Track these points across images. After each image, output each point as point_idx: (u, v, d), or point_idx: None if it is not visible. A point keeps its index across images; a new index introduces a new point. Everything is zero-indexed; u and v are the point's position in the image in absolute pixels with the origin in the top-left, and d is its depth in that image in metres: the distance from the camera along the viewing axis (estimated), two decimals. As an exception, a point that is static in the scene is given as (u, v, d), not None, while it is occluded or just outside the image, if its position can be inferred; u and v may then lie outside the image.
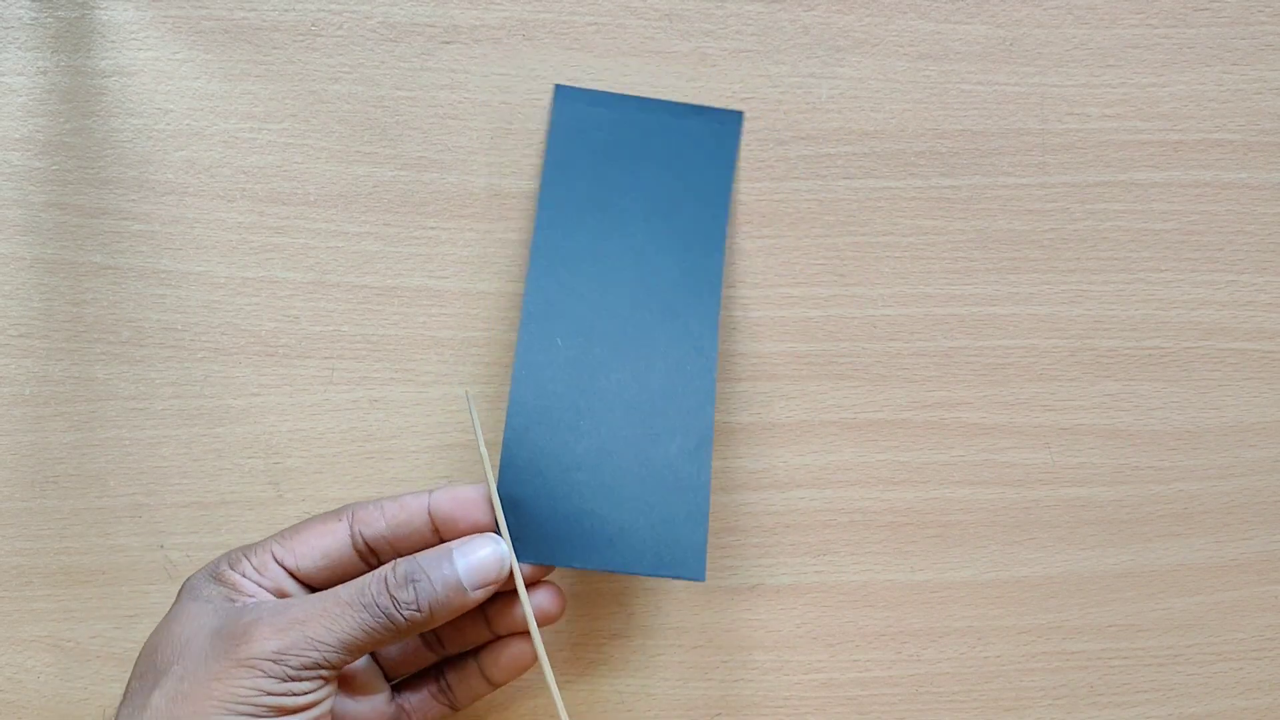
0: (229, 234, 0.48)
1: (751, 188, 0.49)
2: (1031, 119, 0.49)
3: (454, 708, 0.44)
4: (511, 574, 0.41)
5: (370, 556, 0.42)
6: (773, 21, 0.49)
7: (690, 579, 0.42)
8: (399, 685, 0.44)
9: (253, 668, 0.37)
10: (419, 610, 0.39)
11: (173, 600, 0.41)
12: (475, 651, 0.44)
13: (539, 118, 0.48)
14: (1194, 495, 0.50)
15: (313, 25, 0.48)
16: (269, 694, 0.37)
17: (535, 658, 0.42)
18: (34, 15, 0.48)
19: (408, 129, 0.48)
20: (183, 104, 0.48)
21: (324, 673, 0.38)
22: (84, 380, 0.48)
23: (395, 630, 0.38)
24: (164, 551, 0.48)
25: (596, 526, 0.42)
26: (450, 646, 0.44)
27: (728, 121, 0.47)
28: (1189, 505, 0.50)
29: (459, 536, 0.41)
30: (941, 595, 0.49)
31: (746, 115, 0.49)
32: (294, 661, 0.37)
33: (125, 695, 0.39)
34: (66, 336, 0.48)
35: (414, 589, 0.39)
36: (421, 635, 0.44)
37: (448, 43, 0.48)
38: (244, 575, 0.40)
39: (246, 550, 0.41)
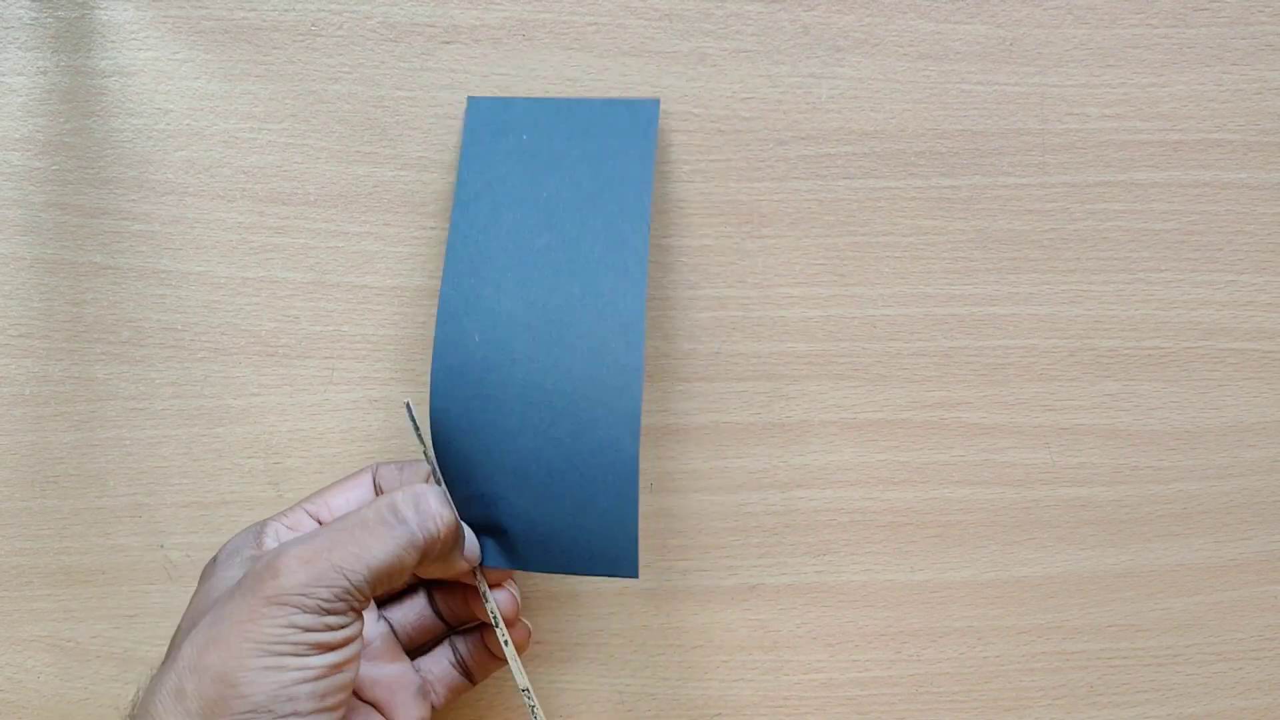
0: (229, 234, 0.48)
1: (751, 188, 0.49)
2: (1031, 119, 0.49)
3: (472, 680, 0.45)
4: (475, 569, 0.43)
5: None
6: (773, 21, 0.49)
7: (625, 576, 0.41)
8: (419, 658, 0.45)
9: (284, 604, 0.36)
10: (427, 526, 0.39)
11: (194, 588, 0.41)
12: (481, 626, 0.45)
13: (539, 118, 0.48)
14: (1193, 495, 0.50)
15: (313, 25, 0.48)
16: (303, 629, 0.36)
17: (529, 634, 0.44)
18: (34, 15, 0.48)
19: (408, 129, 0.48)
20: (183, 104, 0.48)
21: (354, 603, 0.37)
22: (84, 380, 0.48)
23: (413, 548, 0.38)
24: (164, 551, 0.48)
25: (530, 529, 0.42)
26: (453, 620, 0.45)
27: (644, 109, 0.45)
28: (1188, 505, 0.50)
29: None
30: (941, 595, 0.49)
31: (746, 116, 0.49)
32: (324, 593, 0.36)
33: (162, 660, 0.39)
34: (66, 336, 0.48)
35: (417, 508, 0.39)
36: (432, 605, 0.45)
37: (448, 43, 0.48)
38: (277, 536, 0.41)
39: (278, 516, 0.42)
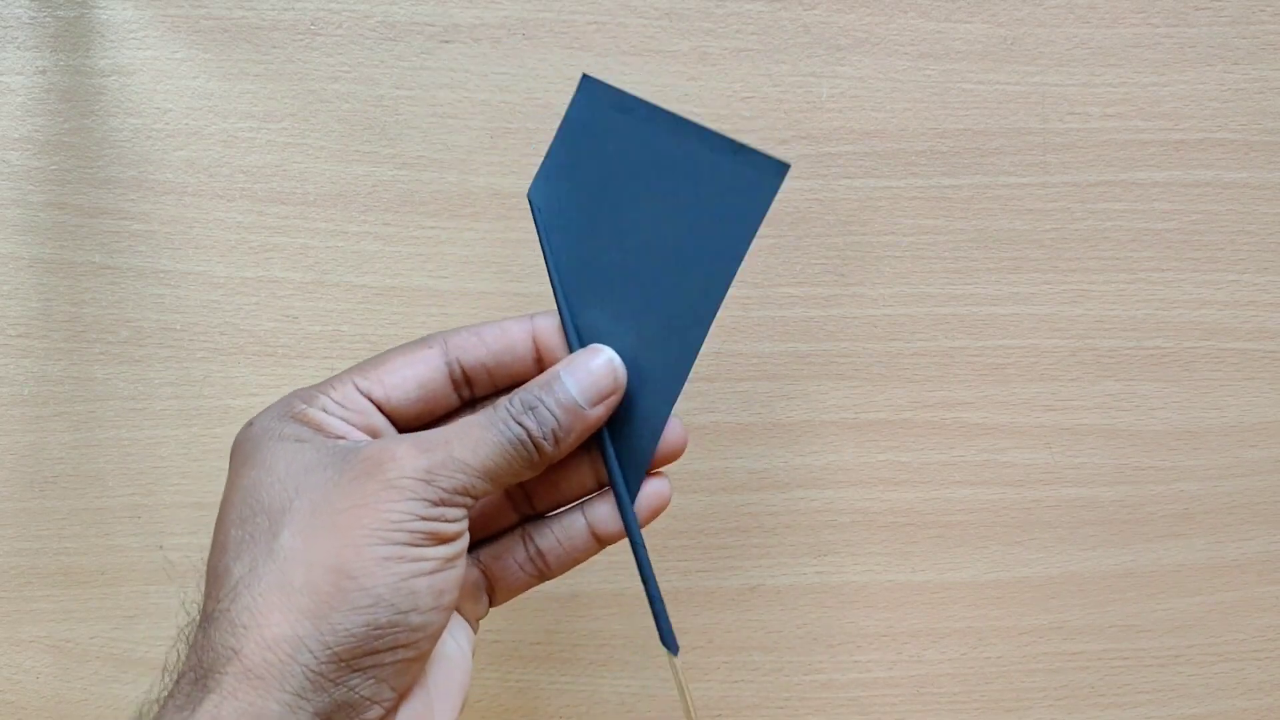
0: (228, 234, 0.48)
1: (752, 187, 0.49)
2: (1032, 118, 0.49)
3: (545, 575, 0.39)
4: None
5: (465, 388, 0.37)
6: (773, 20, 0.49)
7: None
8: (479, 550, 0.39)
9: (402, 489, 0.32)
10: (545, 438, 0.35)
11: (233, 471, 0.36)
12: (583, 505, 0.39)
13: (539, 117, 0.48)
14: (1195, 495, 0.50)
15: (312, 24, 0.48)
16: (422, 518, 0.32)
17: (667, 498, 0.38)
18: (33, 14, 0.48)
19: (407, 128, 0.48)
20: (182, 103, 0.48)
21: (468, 500, 0.34)
22: (83, 380, 0.48)
23: (529, 460, 0.35)
24: (163, 552, 0.48)
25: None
26: (541, 502, 0.39)
27: (768, 171, 0.36)
28: (1190, 505, 0.50)
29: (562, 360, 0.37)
30: (942, 596, 0.49)
31: (747, 115, 0.49)
32: (444, 482, 0.33)
33: (224, 547, 0.34)
34: (65, 336, 0.48)
35: (534, 416, 0.35)
36: (506, 491, 0.39)
37: (447, 42, 0.48)
38: (326, 411, 0.36)
39: (318, 387, 0.36)
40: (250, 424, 0.36)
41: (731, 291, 0.49)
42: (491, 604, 0.39)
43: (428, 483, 0.33)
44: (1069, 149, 0.49)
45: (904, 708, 0.49)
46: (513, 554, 0.38)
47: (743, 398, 0.49)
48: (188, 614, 0.35)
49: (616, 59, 0.48)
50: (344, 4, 0.48)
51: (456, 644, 0.37)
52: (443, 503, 0.33)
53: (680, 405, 0.49)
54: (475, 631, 0.39)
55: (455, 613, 0.38)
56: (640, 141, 0.38)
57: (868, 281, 0.49)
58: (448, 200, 0.48)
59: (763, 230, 0.49)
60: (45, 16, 0.48)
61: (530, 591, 0.48)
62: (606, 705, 0.49)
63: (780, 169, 0.36)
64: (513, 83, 0.48)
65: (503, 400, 0.35)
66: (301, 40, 0.48)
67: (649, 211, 0.38)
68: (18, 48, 0.48)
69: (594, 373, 0.36)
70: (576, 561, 0.39)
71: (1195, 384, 0.50)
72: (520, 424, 0.34)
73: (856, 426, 0.49)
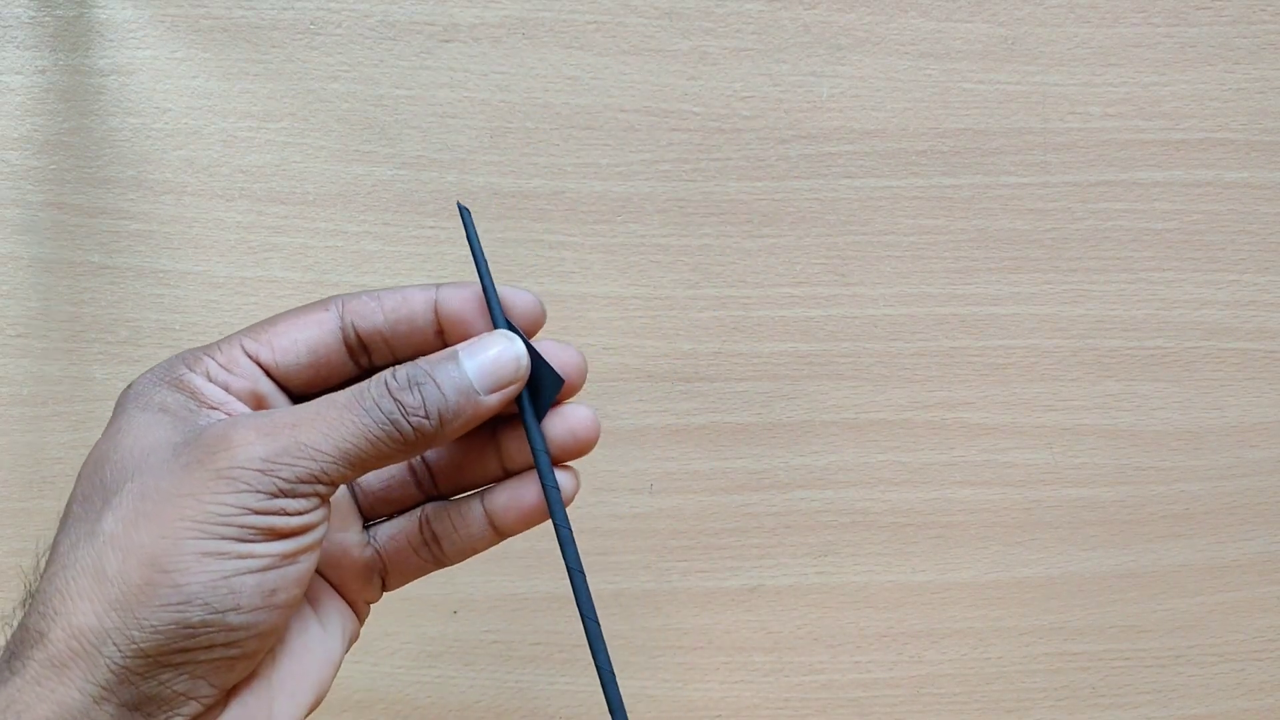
0: (227, 233, 0.48)
1: (751, 187, 0.49)
2: (1033, 118, 0.49)
3: (441, 562, 0.36)
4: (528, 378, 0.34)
5: (362, 355, 0.34)
6: (773, 20, 0.48)
7: None
8: (375, 529, 0.36)
9: (234, 480, 0.30)
10: (427, 418, 0.32)
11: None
12: (481, 493, 0.35)
13: (539, 116, 0.48)
14: (1196, 496, 0.50)
15: (311, 24, 0.48)
16: (255, 512, 0.30)
17: (568, 499, 0.35)
18: (32, 14, 0.48)
19: (407, 128, 0.48)
20: (181, 103, 0.48)
21: (320, 489, 0.30)
22: (82, 380, 0.48)
23: (401, 443, 0.31)
24: (162, 552, 0.48)
25: None
26: (444, 484, 0.36)
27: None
28: (1191, 506, 0.50)
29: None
30: (943, 596, 0.49)
31: (746, 115, 0.48)
32: (285, 472, 0.30)
33: (63, 522, 0.32)
34: (64, 336, 0.48)
35: (419, 393, 0.32)
36: (409, 466, 0.36)
37: (447, 41, 0.48)
38: (208, 377, 0.33)
39: (206, 349, 0.33)
40: (130, 385, 0.33)
41: (732, 291, 0.49)
42: (385, 588, 0.36)
43: (264, 473, 0.30)
44: (1069, 149, 0.49)
45: (904, 708, 0.49)
46: (409, 536, 0.35)
47: (743, 398, 0.49)
48: (26, 589, 0.33)
49: (616, 59, 0.48)
50: (344, 3, 0.48)
51: (323, 633, 0.34)
52: (283, 494, 0.30)
53: (680, 405, 0.49)
54: (363, 616, 0.36)
55: (339, 597, 0.35)
56: None
57: (868, 281, 0.49)
58: (447, 200, 0.48)
59: (762, 230, 0.49)
60: (45, 16, 0.48)
61: (530, 592, 0.48)
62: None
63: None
64: (513, 82, 0.48)
65: (384, 373, 0.32)
66: (301, 40, 0.48)
67: None
68: (17, 47, 0.48)
69: (496, 357, 0.33)
70: (475, 550, 0.35)
71: (1196, 384, 0.50)
72: (397, 400, 0.31)
73: (857, 426, 0.49)
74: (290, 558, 0.30)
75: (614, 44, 0.48)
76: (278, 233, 0.48)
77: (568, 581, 0.49)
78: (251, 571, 0.30)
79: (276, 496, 0.30)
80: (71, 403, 0.48)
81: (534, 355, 0.34)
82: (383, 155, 0.48)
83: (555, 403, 0.34)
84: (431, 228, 0.48)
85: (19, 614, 0.32)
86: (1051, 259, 0.49)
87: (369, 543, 0.35)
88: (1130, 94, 0.49)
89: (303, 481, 0.30)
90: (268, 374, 0.34)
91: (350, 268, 0.48)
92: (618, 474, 0.49)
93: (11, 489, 0.48)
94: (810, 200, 0.49)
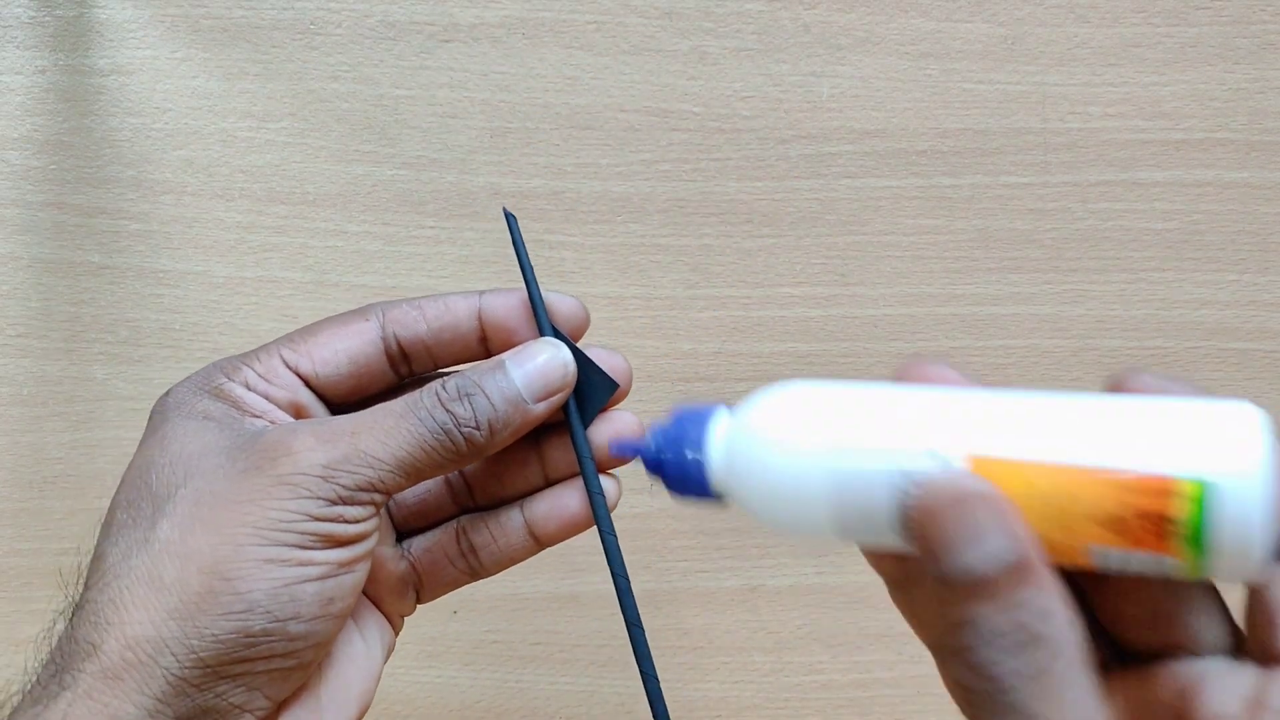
0: (227, 233, 0.48)
1: (751, 187, 0.49)
2: (1033, 118, 0.49)
3: (477, 574, 0.35)
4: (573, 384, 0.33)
5: (403, 365, 0.34)
6: (773, 20, 0.48)
7: None
8: (409, 542, 0.36)
9: (295, 486, 0.29)
10: (478, 429, 0.31)
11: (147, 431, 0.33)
12: (519, 502, 0.35)
13: (539, 116, 0.48)
14: (1196, 496, 0.50)
15: (311, 24, 0.48)
16: (315, 518, 0.29)
17: (611, 505, 0.35)
18: (32, 14, 0.48)
19: (407, 128, 0.48)
20: (181, 103, 0.48)
21: (377, 497, 0.30)
22: (82, 380, 0.48)
23: (454, 453, 0.31)
24: (162, 552, 0.48)
25: None
26: (481, 495, 0.35)
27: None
28: (1191, 506, 0.50)
29: (511, 349, 0.33)
30: (942, 596, 0.49)
31: (746, 115, 0.48)
32: (345, 479, 0.30)
33: (106, 529, 0.31)
34: (64, 336, 0.48)
35: (470, 404, 0.31)
36: (446, 480, 0.36)
37: (447, 41, 0.48)
38: (247, 387, 0.33)
39: (244, 357, 0.33)
40: (167, 393, 0.33)
41: (732, 291, 0.49)
42: (419, 600, 0.36)
43: (325, 479, 0.30)
44: (1070, 149, 0.49)
45: (905, 708, 0.49)
46: (445, 548, 0.35)
47: (743, 398, 0.49)
48: (69, 599, 0.32)
49: (616, 58, 0.48)
50: (344, 3, 0.48)
51: (365, 645, 0.34)
52: (342, 501, 0.30)
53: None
54: (398, 629, 0.36)
55: (375, 610, 0.35)
56: None
57: (868, 281, 0.49)
58: (447, 200, 0.48)
59: (762, 230, 0.49)
60: (45, 16, 0.48)
61: (530, 592, 0.48)
62: (606, 705, 0.49)
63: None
64: (513, 82, 0.48)
65: (434, 384, 0.32)
66: (301, 40, 0.48)
67: None
68: (17, 47, 0.48)
69: (544, 365, 0.33)
70: (513, 561, 0.35)
71: (1196, 384, 0.50)
72: (449, 411, 0.31)
73: (857, 426, 0.49)
74: (347, 566, 0.30)
75: (614, 44, 0.48)
76: (278, 233, 0.48)
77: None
78: (312, 579, 0.30)
79: (336, 504, 0.30)
80: (71, 403, 0.48)
81: (584, 361, 0.34)
82: (383, 155, 0.48)
83: (604, 408, 0.34)
84: (431, 228, 0.48)
85: (62, 625, 0.31)
86: (1051, 259, 0.49)
87: (403, 555, 0.35)
88: (1130, 94, 0.49)
89: (361, 489, 0.30)
90: (307, 383, 0.33)
91: (350, 268, 0.48)
92: (617, 474, 0.49)
93: (11, 489, 0.48)
94: (810, 200, 0.49)
